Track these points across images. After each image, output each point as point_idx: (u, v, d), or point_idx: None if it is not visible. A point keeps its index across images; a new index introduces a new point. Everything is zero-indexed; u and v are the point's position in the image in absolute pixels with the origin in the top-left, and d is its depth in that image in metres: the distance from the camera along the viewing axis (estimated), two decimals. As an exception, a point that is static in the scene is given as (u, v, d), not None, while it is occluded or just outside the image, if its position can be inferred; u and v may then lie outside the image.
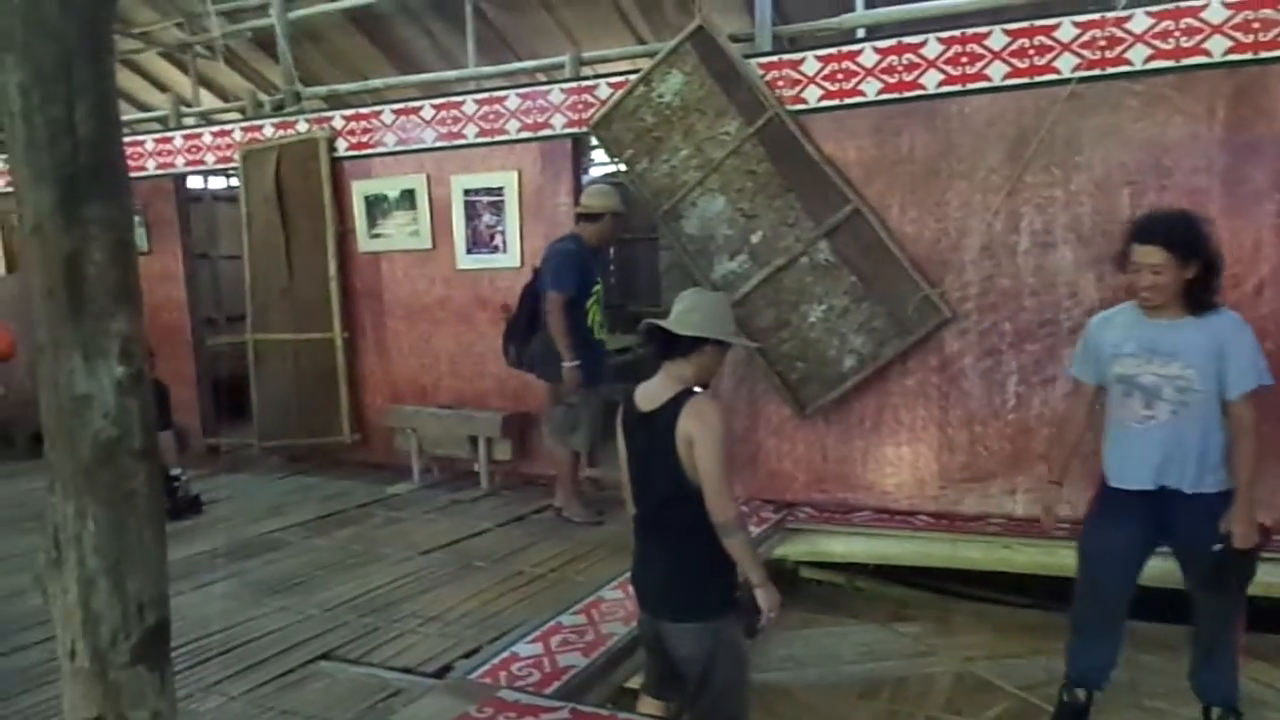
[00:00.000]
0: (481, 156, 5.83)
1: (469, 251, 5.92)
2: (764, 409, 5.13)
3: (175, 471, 5.32)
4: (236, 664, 3.38)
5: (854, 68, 4.75)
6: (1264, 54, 4.11)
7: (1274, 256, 4.23)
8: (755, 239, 4.91)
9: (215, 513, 5.46)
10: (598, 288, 4.89)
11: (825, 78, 4.80)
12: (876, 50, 4.71)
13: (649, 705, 2.92)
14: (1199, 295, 2.90)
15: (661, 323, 2.62)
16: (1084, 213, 4.46)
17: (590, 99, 5.37)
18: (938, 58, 4.60)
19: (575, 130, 5.47)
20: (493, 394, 5.91)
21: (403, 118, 6.05)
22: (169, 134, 7.07)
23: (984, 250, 4.62)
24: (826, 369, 4.85)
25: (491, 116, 5.76)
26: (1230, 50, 4.16)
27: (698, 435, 2.51)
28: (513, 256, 5.76)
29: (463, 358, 6.06)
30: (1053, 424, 4.56)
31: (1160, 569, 3.20)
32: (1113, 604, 3.20)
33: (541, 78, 6.35)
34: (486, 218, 5.84)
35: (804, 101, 4.84)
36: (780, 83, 4.87)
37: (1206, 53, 4.19)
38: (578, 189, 5.52)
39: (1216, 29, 4.17)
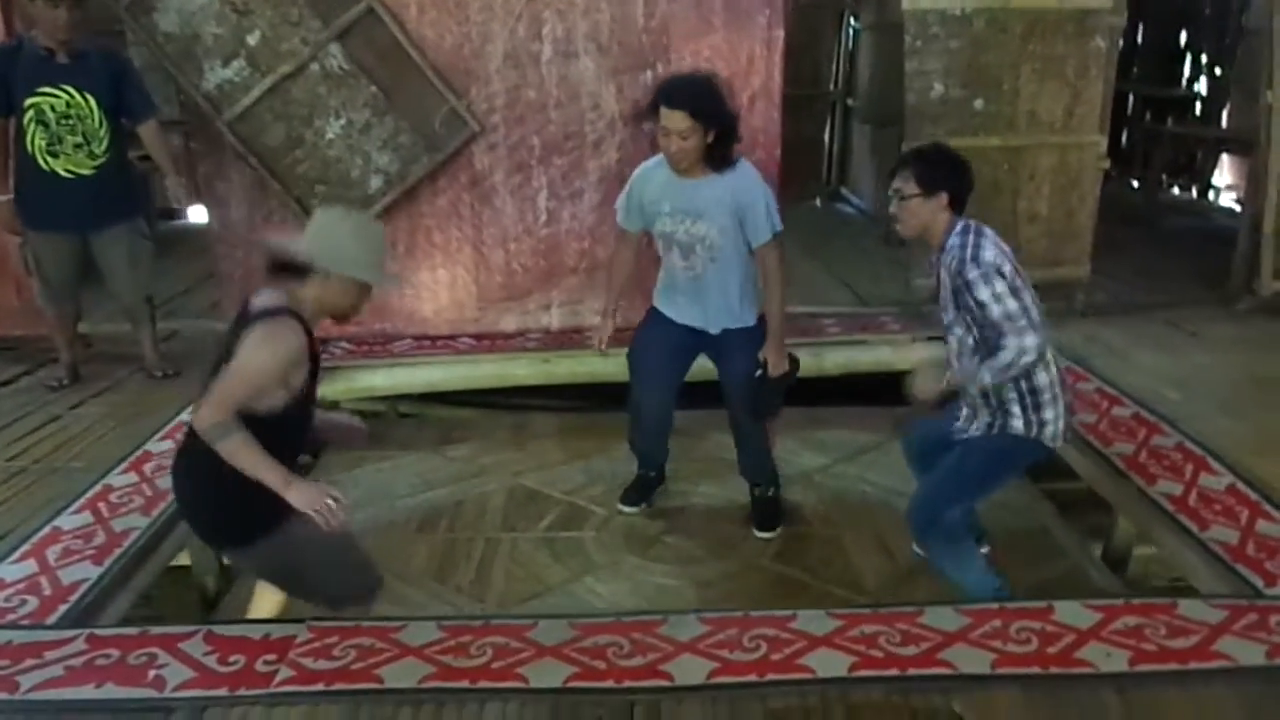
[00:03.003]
0: None
1: None
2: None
3: None
4: None
5: None
6: None
7: (764, 69, 4.55)
8: (253, 40, 4.16)
9: None
10: (35, 101, 3.77)
11: None
12: None
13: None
14: (720, 154, 3.06)
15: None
16: (602, 20, 4.39)
17: None
18: None
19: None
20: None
21: None
22: None
23: (508, 58, 4.40)
24: (351, 192, 4.40)
25: None
26: None
27: (242, 349, 2.17)
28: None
29: None
30: (582, 237, 4.67)
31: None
32: (656, 400, 3.48)
33: None
34: None
35: None
36: None
37: None
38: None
39: None
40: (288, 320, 2.22)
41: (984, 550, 3.06)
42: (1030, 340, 2.56)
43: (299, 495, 2.21)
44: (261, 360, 2.17)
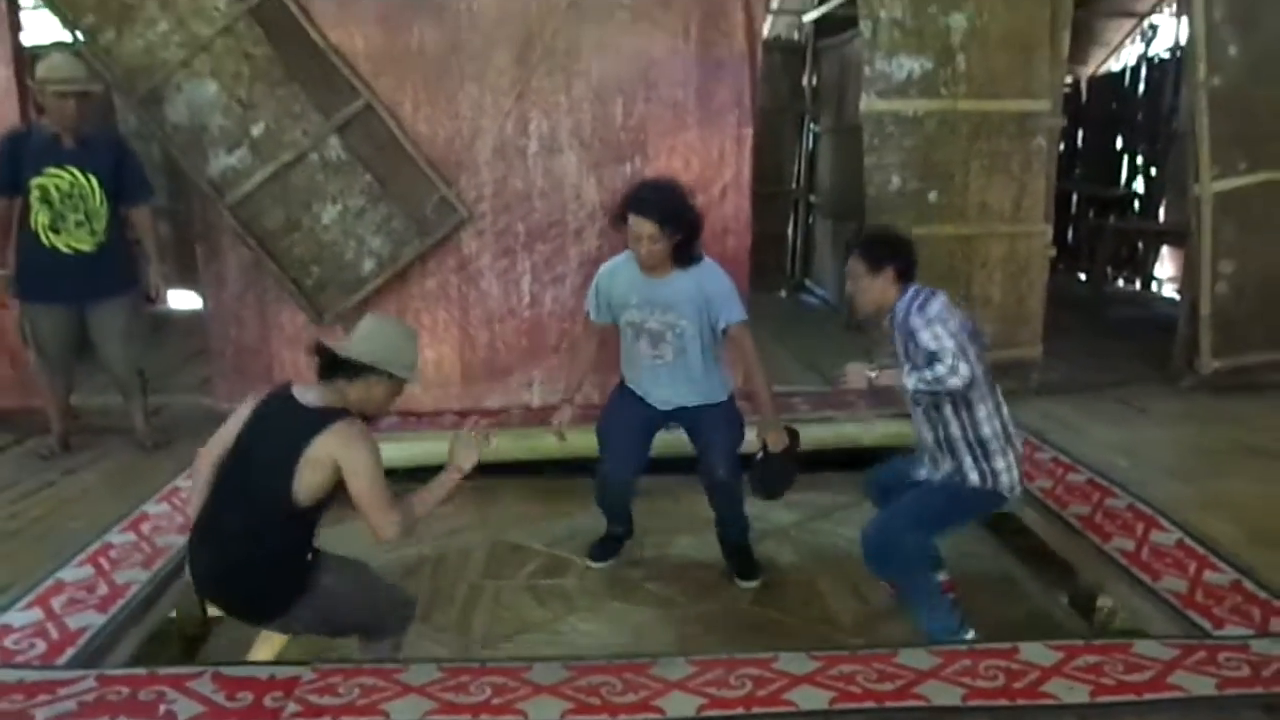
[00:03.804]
0: None
1: None
2: (276, 318, 4.76)
3: None
4: None
5: (357, -53, 4.44)
6: (723, -22, 4.64)
7: (734, 163, 4.89)
8: (257, 132, 4.43)
9: None
10: (41, 181, 3.97)
11: (327, -45, 4.43)
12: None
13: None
14: (685, 253, 3.28)
15: (330, 345, 2.45)
16: (584, 119, 4.72)
17: (29, -53, 4.37)
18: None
19: (12, -15, 4.43)
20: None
21: None
22: None
23: (496, 152, 4.70)
24: (344, 273, 4.62)
25: (-125, -45, 4.42)
26: (697, -27, 4.62)
27: (346, 457, 2.34)
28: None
29: None
30: (563, 318, 4.88)
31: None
32: (623, 473, 3.62)
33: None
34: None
35: (304, -21, 4.42)
36: (275, -45, 4.38)
37: (678, -29, 4.60)
38: (21, 59, 4.52)
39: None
40: (357, 419, 2.43)
41: (941, 577, 3.20)
42: (964, 367, 2.77)
43: (463, 466, 2.56)
44: (373, 458, 2.38)
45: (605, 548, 3.92)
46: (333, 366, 2.46)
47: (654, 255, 3.22)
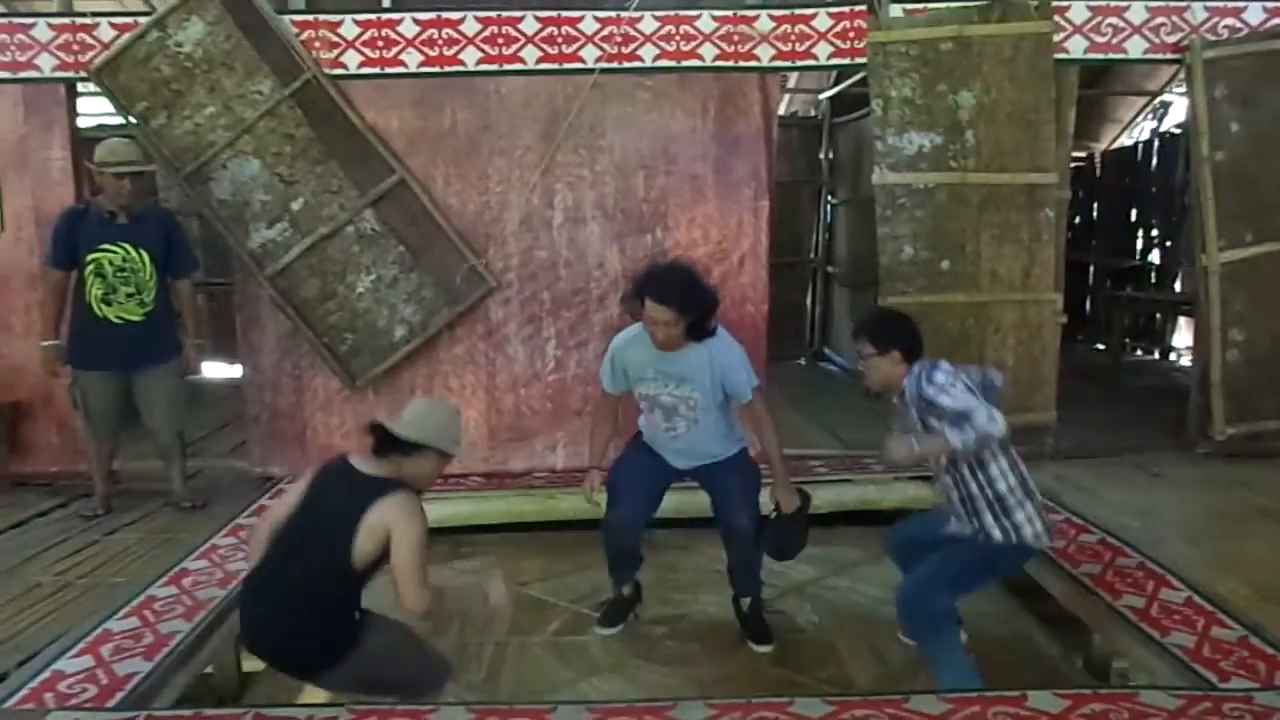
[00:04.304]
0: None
1: (-78, 210, 4.85)
2: (311, 383, 4.96)
3: None
4: None
5: (394, 36, 4.74)
6: (742, 63, 4.89)
7: (752, 234, 5.09)
8: (296, 206, 4.69)
9: None
10: (96, 256, 4.22)
11: (365, 44, 4.73)
12: (416, 22, 4.74)
13: None
14: (699, 329, 3.39)
15: (389, 425, 2.63)
16: (608, 192, 4.97)
17: (89, 39, 4.66)
18: (476, 35, 4.76)
19: (70, 74, 4.73)
20: (-35, 383, 4.94)
21: None
22: None
23: (523, 224, 4.94)
24: (377, 340, 4.83)
25: (-48, 50, 4.76)
26: (718, 57, 4.88)
27: (399, 526, 2.49)
28: (-9, 218, 4.86)
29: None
30: (587, 383, 5.03)
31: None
32: (629, 520, 3.67)
33: (22, 8, 5.38)
34: (-52, 170, 4.82)
35: (344, 66, 4.72)
36: (317, 44, 4.69)
37: (700, 57, 4.87)
38: (76, 141, 4.84)
39: (707, 38, 4.85)
40: (411, 491, 2.60)
41: (962, 638, 3.25)
42: (1000, 416, 2.88)
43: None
44: (422, 531, 2.54)
45: (614, 613, 3.94)
46: (387, 444, 2.64)
47: (671, 338, 3.35)
